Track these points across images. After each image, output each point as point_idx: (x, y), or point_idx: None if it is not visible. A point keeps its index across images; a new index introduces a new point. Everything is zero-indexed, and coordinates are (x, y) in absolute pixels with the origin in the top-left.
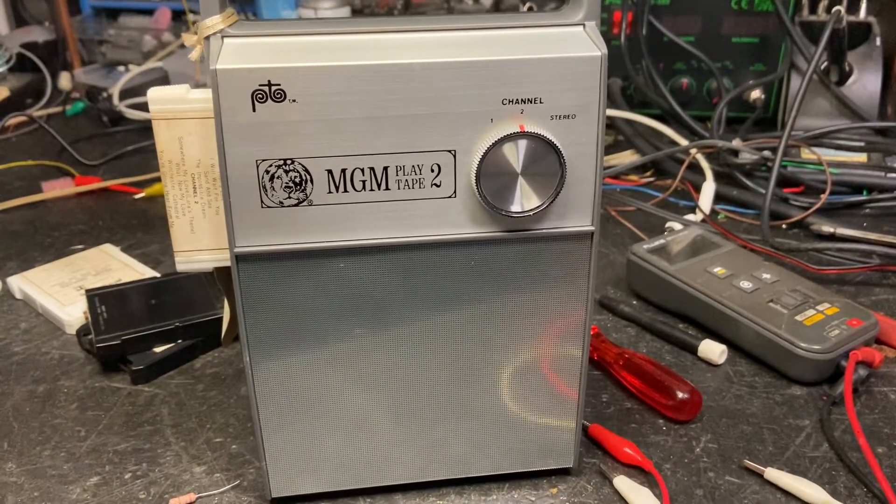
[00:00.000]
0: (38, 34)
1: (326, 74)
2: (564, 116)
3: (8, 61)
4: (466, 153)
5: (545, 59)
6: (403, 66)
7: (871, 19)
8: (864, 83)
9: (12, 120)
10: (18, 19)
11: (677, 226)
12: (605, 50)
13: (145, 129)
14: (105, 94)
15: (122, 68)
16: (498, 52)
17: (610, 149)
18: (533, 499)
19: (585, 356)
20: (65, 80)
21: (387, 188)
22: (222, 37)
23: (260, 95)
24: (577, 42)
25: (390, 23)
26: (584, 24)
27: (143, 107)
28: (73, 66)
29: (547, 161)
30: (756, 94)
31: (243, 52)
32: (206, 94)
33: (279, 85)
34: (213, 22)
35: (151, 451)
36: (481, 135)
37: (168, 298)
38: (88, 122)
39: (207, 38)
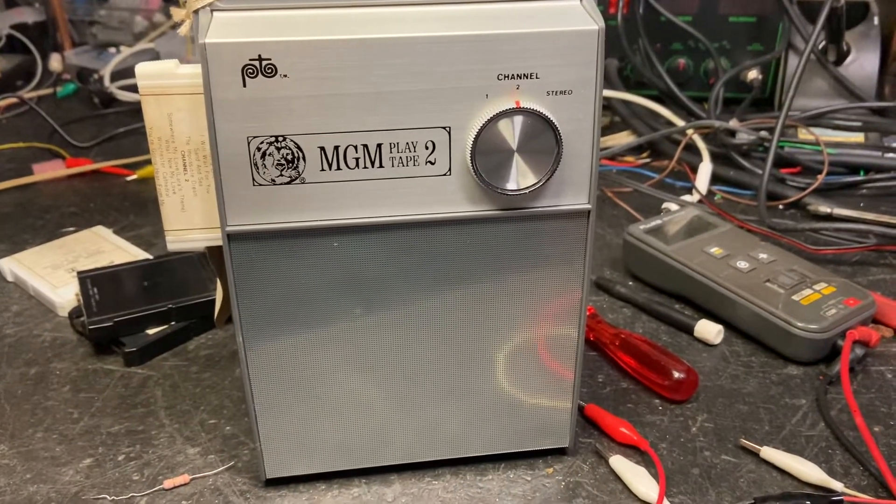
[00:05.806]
0: (28, 15)
1: (318, 49)
2: (561, 92)
3: None
4: (461, 130)
5: (541, 34)
6: (397, 41)
7: None
8: (862, 63)
9: (2, 102)
10: (8, 0)
11: (674, 206)
12: (602, 24)
13: (137, 110)
14: (96, 76)
15: (113, 49)
16: (493, 26)
17: (606, 130)
18: (529, 478)
19: (581, 336)
20: (55, 62)
21: (380, 166)
22: (212, 10)
23: (250, 70)
24: (574, 16)
25: None
26: None
27: (135, 88)
28: (64, 47)
29: (543, 138)
30: (753, 74)
31: (233, 25)
32: (195, 69)
33: (270, 59)
34: None
35: (145, 432)
36: (476, 111)
37: (161, 280)
38: (79, 103)
39: (196, 11)
